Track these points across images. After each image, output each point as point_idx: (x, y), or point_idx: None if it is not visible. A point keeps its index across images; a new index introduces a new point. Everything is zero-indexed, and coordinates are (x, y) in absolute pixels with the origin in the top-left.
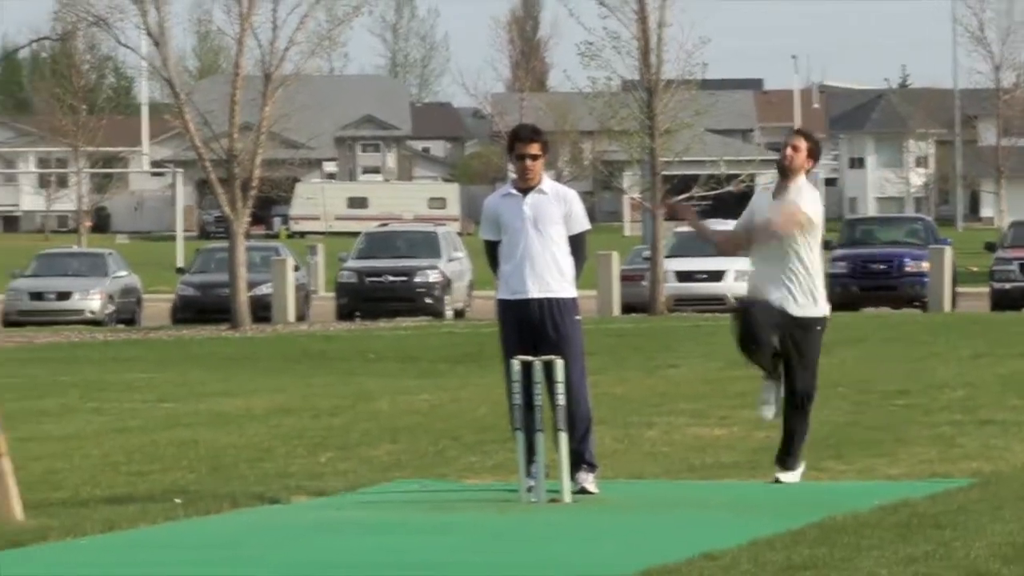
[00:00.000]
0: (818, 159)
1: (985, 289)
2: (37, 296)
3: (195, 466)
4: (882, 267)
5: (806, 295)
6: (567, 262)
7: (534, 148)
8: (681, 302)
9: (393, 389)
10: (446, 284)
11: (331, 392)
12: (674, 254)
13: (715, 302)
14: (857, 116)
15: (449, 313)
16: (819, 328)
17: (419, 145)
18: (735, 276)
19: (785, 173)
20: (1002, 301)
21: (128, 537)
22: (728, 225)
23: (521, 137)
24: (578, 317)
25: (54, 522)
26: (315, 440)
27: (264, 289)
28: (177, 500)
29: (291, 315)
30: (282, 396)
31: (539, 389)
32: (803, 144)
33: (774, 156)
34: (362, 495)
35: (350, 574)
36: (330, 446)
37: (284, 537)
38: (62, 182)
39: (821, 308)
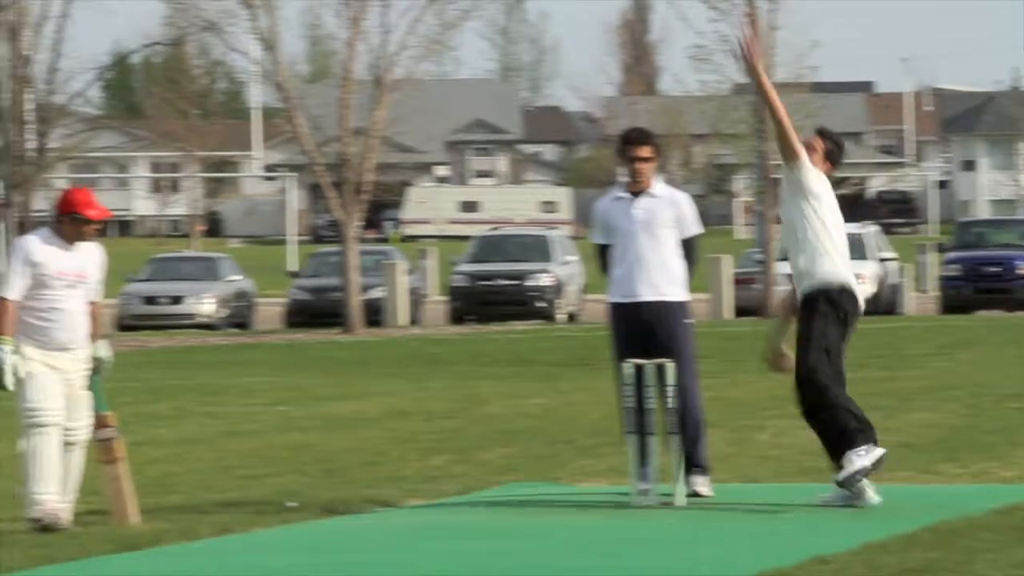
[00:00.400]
0: (837, 164)
1: None
2: (151, 300)
3: (308, 470)
4: (995, 270)
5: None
6: (678, 266)
7: (645, 151)
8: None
9: (506, 393)
10: (558, 288)
11: (444, 395)
12: (786, 257)
13: None
14: (969, 118)
15: (561, 317)
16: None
17: (530, 149)
18: None
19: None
20: None
21: (241, 540)
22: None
23: (632, 140)
24: (689, 320)
25: (168, 525)
26: (428, 443)
27: (376, 293)
28: (290, 504)
29: (403, 319)
30: (395, 400)
31: (651, 392)
32: (820, 145)
33: (886, 159)
34: (475, 499)
35: None
36: (443, 449)
37: (397, 541)
38: (175, 186)
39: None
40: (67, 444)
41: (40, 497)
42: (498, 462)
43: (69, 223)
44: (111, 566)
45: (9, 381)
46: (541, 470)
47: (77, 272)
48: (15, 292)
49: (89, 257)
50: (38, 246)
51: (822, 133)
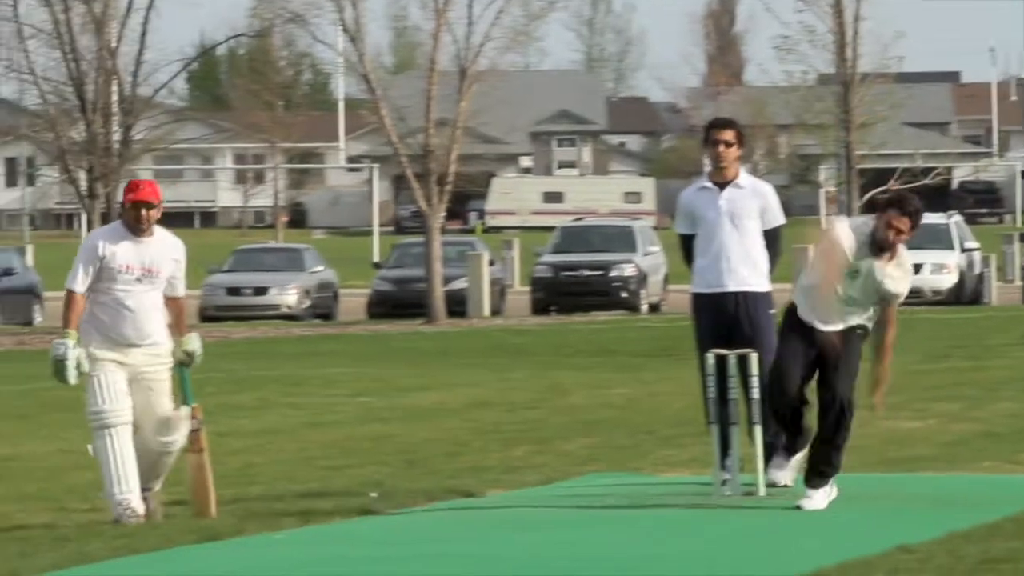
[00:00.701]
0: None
1: None
2: (234, 291)
3: (390, 460)
4: None
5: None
6: (762, 256)
7: (728, 135)
8: None
9: (588, 383)
10: (642, 278)
11: (526, 386)
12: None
13: (912, 296)
14: None
15: (644, 307)
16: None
17: (614, 140)
18: (931, 269)
19: None
20: None
21: (323, 531)
22: (926, 218)
23: (715, 125)
24: (773, 311)
25: (251, 516)
26: (510, 434)
27: (460, 284)
28: (372, 494)
29: (486, 309)
30: (477, 390)
31: (734, 383)
32: (906, 225)
33: (971, 149)
34: (557, 489)
35: (545, 568)
36: (525, 440)
37: (479, 531)
38: (259, 178)
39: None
40: (162, 455)
41: (119, 497)
42: (580, 452)
43: (128, 212)
44: (193, 557)
45: (72, 376)
46: (623, 460)
47: (145, 265)
48: (81, 285)
49: (161, 250)
50: (104, 239)
51: (904, 210)
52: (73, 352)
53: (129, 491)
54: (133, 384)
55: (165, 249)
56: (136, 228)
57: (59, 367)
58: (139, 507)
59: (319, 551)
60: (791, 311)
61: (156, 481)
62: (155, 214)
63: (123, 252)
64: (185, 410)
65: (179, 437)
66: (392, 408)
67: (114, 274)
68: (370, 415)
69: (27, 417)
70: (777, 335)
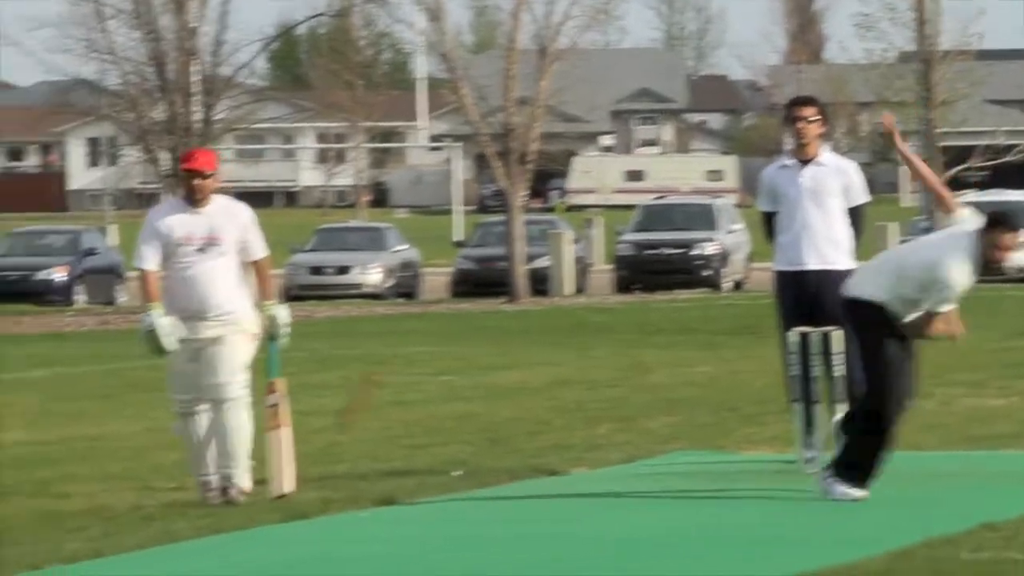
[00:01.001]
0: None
1: None
2: (317, 271)
3: (473, 439)
4: None
5: None
6: (845, 234)
7: (809, 112)
8: None
9: (671, 361)
10: (723, 256)
11: (609, 364)
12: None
13: (997, 273)
14: None
15: (727, 285)
16: None
17: (696, 118)
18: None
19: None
20: None
21: (408, 510)
22: (1008, 195)
23: (796, 102)
24: None
25: (335, 494)
26: (593, 412)
27: (542, 262)
28: (456, 473)
29: (568, 288)
30: (560, 369)
31: (816, 360)
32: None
33: None
34: (640, 467)
35: (627, 546)
36: (608, 418)
37: (562, 510)
38: (340, 157)
39: None
40: (214, 402)
41: (201, 479)
42: (663, 430)
43: (183, 183)
44: (278, 536)
45: (168, 342)
46: (706, 438)
47: (206, 235)
48: (147, 262)
49: (222, 217)
50: (162, 214)
51: (1013, 226)
52: (162, 320)
53: (205, 475)
54: (202, 354)
55: (226, 216)
56: (191, 198)
57: (151, 337)
58: (243, 482)
59: (403, 530)
60: (877, 308)
61: (233, 463)
62: (210, 183)
63: (181, 224)
64: (242, 369)
65: (222, 383)
66: (474, 387)
67: (175, 247)
68: (453, 394)
69: (112, 397)
70: (868, 331)
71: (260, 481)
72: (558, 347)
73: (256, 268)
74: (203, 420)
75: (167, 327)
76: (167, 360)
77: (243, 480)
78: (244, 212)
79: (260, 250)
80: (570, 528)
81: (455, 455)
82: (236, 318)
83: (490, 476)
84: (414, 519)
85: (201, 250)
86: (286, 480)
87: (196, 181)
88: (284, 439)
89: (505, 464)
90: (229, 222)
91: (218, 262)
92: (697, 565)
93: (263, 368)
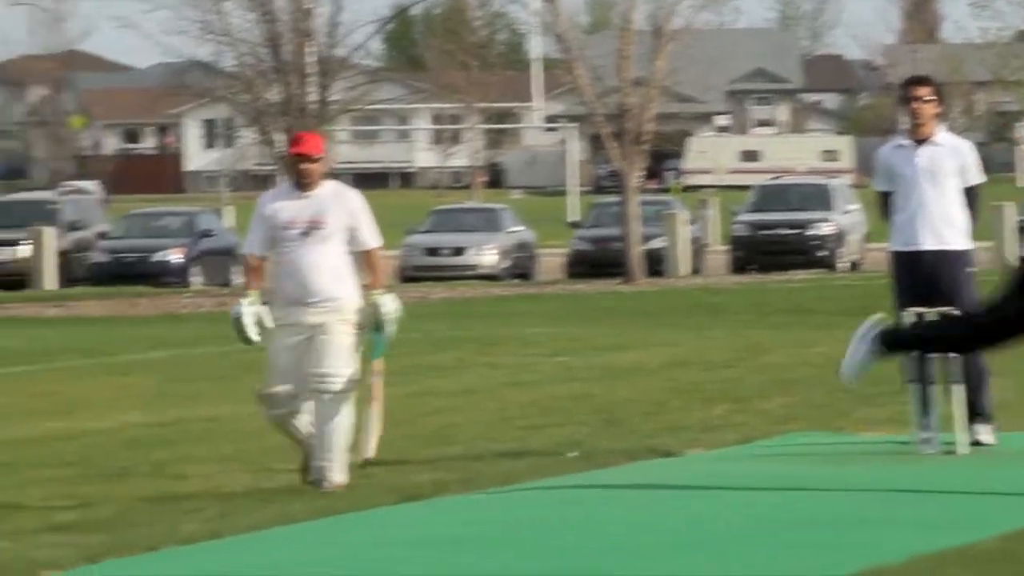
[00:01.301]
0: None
1: None
2: (432, 252)
3: (589, 420)
4: None
5: None
6: (961, 214)
7: (924, 91)
8: None
9: (787, 341)
10: (839, 236)
11: (724, 345)
12: None
13: None
14: None
15: (843, 265)
16: None
17: (811, 98)
18: None
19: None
20: None
21: (523, 492)
22: None
23: (911, 81)
24: (971, 269)
25: (450, 475)
26: (709, 393)
27: (657, 243)
28: (572, 454)
29: (684, 269)
30: (675, 349)
31: None
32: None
33: None
34: (756, 448)
35: (743, 529)
36: (724, 399)
37: (679, 491)
38: (455, 138)
39: None
40: (315, 392)
41: (316, 465)
42: (779, 411)
43: (290, 168)
44: (391, 516)
45: (252, 332)
46: (822, 419)
47: (309, 219)
48: (251, 247)
49: (329, 202)
50: (270, 198)
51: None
52: (249, 310)
53: (325, 460)
54: (306, 343)
55: (333, 201)
56: (298, 182)
57: (237, 326)
58: (336, 477)
59: (520, 512)
60: None
61: (329, 456)
62: (317, 167)
63: (286, 208)
64: (352, 362)
65: (328, 373)
66: (590, 367)
67: (280, 231)
68: (568, 374)
69: (227, 378)
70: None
71: (377, 463)
72: (674, 328)
73: (366, 257)
74: (293, 411)
75: (250, 317)
76: (268, 352)
77: (337, 475)
78: (354, 198)
79: (371, 239)
80: (682, 509)
81: (570, 436)
82: (339, 305)
83: (607, 457)
84: (530, 500)
85: (304, 234)
86: (370, 447)
87: (303, 165)
88: (375, 412)
89: (621, 445)
90: (335, 207)
91: (321, 247)
92: (812, 548)
93: (367, 354)
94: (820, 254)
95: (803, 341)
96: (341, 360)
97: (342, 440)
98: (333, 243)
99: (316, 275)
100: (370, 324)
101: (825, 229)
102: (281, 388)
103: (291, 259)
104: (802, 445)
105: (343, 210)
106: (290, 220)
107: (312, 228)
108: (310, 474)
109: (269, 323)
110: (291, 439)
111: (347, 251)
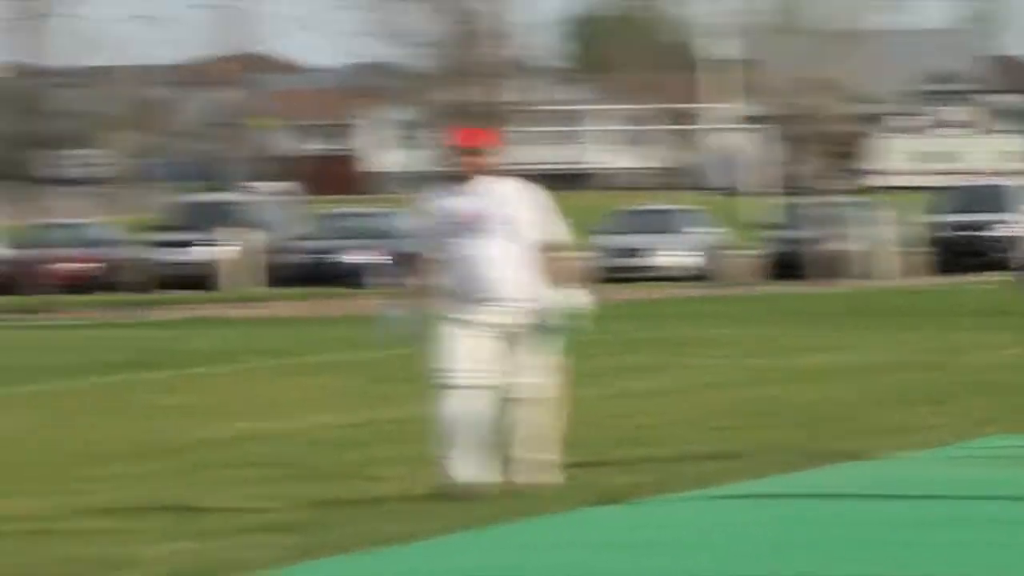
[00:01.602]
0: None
1: None
2: (620, 253)
3: (782, 422)
4: None
5: None
6: None
7: None
8: None
9: (984, 343)
10: None
11: (919, 346)
12: None
13: None
14: None
15: None
16: None
17: (996, 99)
18: None
19: None
20: None
21: (719, 494)
22: None
23: None
24: None
25: (645, 478)
26: (904, 394)
27: (852, 244)
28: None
29: (878, 270)
30: (869, 351)
31: None
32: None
33: None
34: (956, 450)
35: (944, 533)
36: (920, 400)
37: (878, 496)
38: (644, 139)
39: None
40: (507, 400)
41: (443, 461)
42: (977, 413)
43: (453, 163)
44: (588, 519)
45: (399, 337)
46: (1022, 422)
47: (475, 215)
48: (419, 246)
49: (496, 196)
50: (436, 195)
51: None
52: (395, 312)
53: (450, 456)
54: (486, 342)
55: (503, 196)
56: (464, 178)
57: (389, 326)
58: (459, 473)
59: (713, 516)
60: None
61: (515, 449)
62: (480, 160)
63: (452, 204)
64: (538, 360)
65: (521, 383)
66: (782, 370)
67: (446, 227)
68: (760, 377)
69: (416, 380)
70: None
71: (574, 464)
72: (867, 330)
73: (550, 252)
74: (460, 398)
75: (397, 320)
76: (442, 348)
77: (532, 475)
78: (528, 193)
79: (551, 233)
80: (876, 514)
81: (763, 439)
82: (517, 305)
83: (800, 459)
84: (723, 503)
85: (472, 230)
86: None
87: (464, 158)
88: (554, 412)
89: (816, 447)
90: (506, 202)
91: (491, 243)
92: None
93: (550, 350)
94: (1015, 256)
95: (1000, 342)
96: (526, 365)
97: (535, 443)
98: (503, 239)
99: (489, 271)
100: (554, 320)
101: (1021, 231)
102: (462, 382)
103: (464, 256)
104: (1002, 448)
105: (513, 204)
106: (456, 215)
107: (479, 224)
108: (503, 474)
109: (411, 330)
110: (471, 439)
111: (526, 246)
